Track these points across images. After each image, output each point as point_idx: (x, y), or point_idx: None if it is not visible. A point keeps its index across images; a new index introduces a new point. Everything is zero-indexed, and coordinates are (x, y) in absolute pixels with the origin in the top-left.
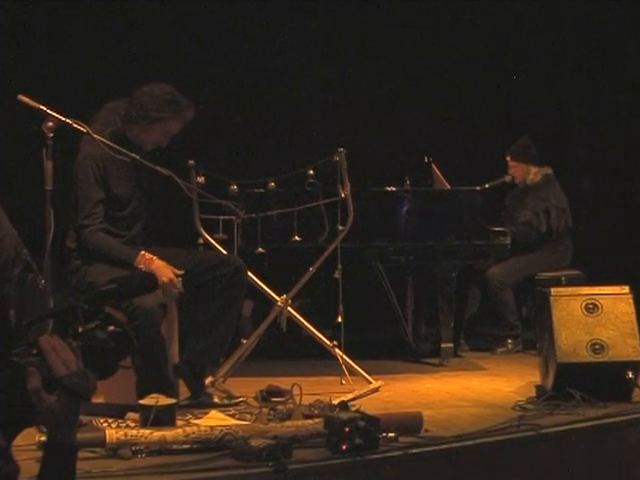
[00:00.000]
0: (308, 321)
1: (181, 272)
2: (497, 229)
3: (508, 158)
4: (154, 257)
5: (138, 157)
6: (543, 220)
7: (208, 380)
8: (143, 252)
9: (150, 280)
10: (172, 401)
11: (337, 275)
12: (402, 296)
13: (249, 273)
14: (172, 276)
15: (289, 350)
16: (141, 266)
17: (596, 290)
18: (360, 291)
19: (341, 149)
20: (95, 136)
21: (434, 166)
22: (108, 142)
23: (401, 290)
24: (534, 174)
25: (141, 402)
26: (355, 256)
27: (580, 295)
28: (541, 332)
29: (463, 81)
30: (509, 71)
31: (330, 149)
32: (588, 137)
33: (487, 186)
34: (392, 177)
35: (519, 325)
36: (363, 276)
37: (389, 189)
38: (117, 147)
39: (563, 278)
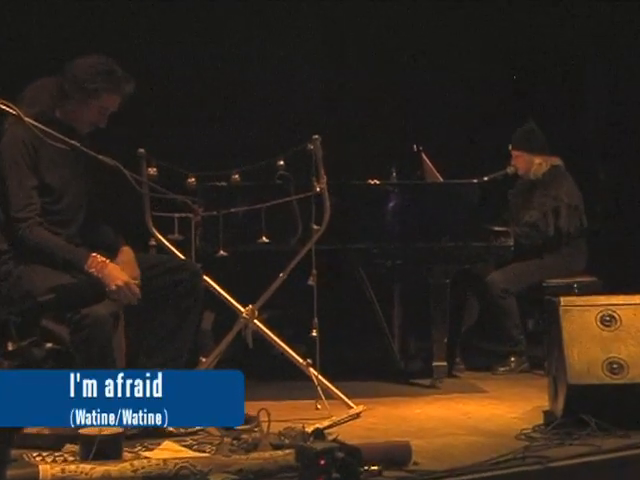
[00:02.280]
0: (278, 335)
1: (138, 274)
2: (498, 229)
3: (510, 147)
4: (107, 260)
5: (78, 144)
6: (551, 221)
7: None
8: (94, 254)
9: (98, 289)
10: (119, 430)
11: (312, 282)
12: (388, 306)
13: (209, 280)
14: (128, 279)
15: (256, 370)
16: (92, 270)
17: (614, 300)
18: (339, 300)
19: (316, 136)
20: (27, 119)
21: (424, 156)
22: (40, 125)
23: (387, 299)
24: (538, 165)
25: (82, 431)
26: (333, 260)
27: (595, 305)
28: (550, 348)
29: (456, 58)
30: (511, 48)
31: (304, 136)
32: (605, 121)
33: (486, 179)
34: (376, 168)
35: (524, 340)
36: (342, 283)
37: (372, 182)
38: (53, 132)
39: (575, 285)
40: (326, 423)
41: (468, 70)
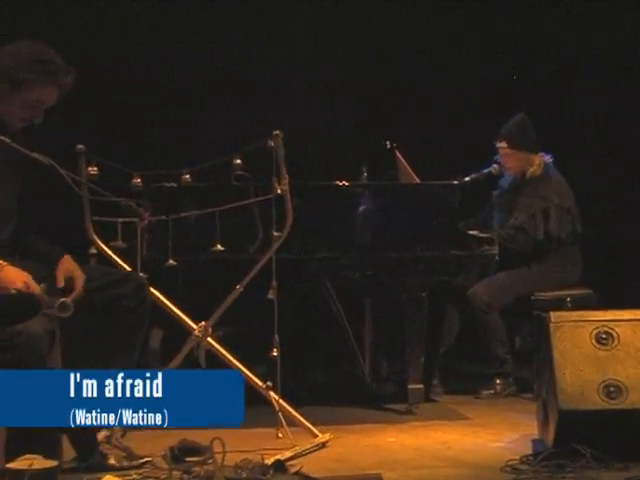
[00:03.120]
0: (234, 355)
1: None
2: (481, 235)
3: (503, 144)
4: (4, 263)
5: (8, 140)
6: (541, 224)
7: (102, 434)
8: None
9: (29, 301)
10: (53, 463)
11: (271, 295)
12: (358, 323)
13: (156, 293)
14: (29, 279)
15: None
16: None
17: (611, 315)
18: (302, 316)
19: (277, 132)
20: None
21: (398, 153)
22: None
23: (356, 315)
24: (537, 166)
25: (10, 466)
26: (295, 271)
27: (590, 321)
28: (539, 369)
29: (433, 46)
30: (499, 41)
31: (265, 132)
32: (599, 110)
33: (468, 179)
34: (344, 167)
35: (510, 360)
36: (306, 297)
37: (340, 183)
38: None
39: (568, 299)
40: (288, 454)
41: (448, 60)
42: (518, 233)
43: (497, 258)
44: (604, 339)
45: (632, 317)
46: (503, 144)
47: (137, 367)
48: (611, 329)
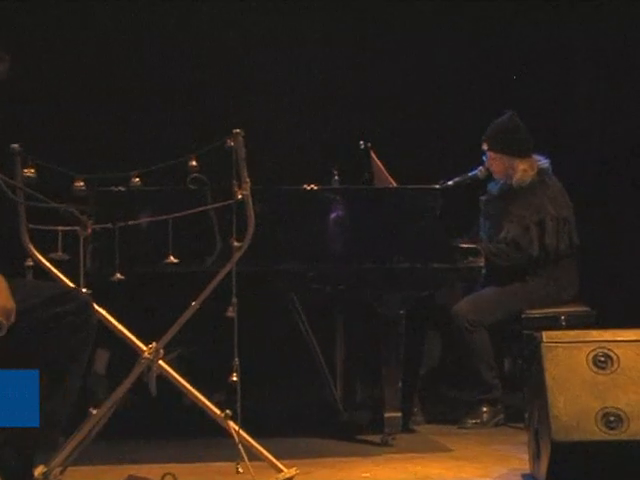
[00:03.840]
0: (189, 380)
1: (12, 307)
2: (466, 245)
3: (485, 146)
4: None
5: None
6: (535, 237)
7: (38, 470)
8: None
9: None
10: None
11: (231, 313)
12: (328, 343)
13: (102, 311)
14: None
15: (161, 423)
16: None
17: (610, 335)
18: (266, 336)
19: (238, 130)
20: None
21: (373, 155)
22: None
23: (327, 334)
24: (522, 172)
25: None
26: (258, 285)
27: (587, 342)
28: (530, 396)
29: (413, 37)
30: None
31: (224, 131)
32: (598, 108)
33: (452, 183)
34: (313, 170)
35: (499, 385)
36: (271, 314)
37: (308, 187)
38: None
39: (563, 317)
40: None
41: (432, 51)
42: (510, 248)
43: (484, 271)
44: (603, 362)
45: (634, 338)
46: (485, 145)
47: (80, 393)
48: (610, 351)
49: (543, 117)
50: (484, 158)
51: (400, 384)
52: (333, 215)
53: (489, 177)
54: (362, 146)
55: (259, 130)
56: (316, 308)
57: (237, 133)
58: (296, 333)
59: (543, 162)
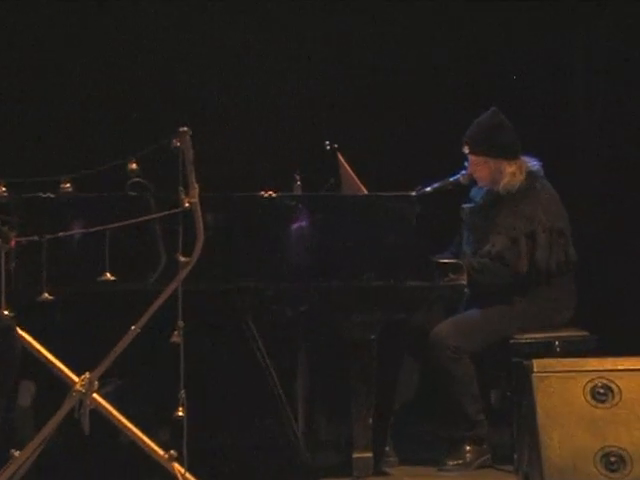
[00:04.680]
0: (127, 416)
1: None
2: (447, 261)
3: (466, 149)
4: None
5: None
6: (525, 252)
7: None
8: None
9: None
10: None
11: (176, 338)
12: (289, 372)
13: (27, 337)
14: None
15: (96, 465)
16: None
17: (610, 364)
18: (218, 365)
19: (185, 128)
20: None
21: (341, 157)
22: None
23: (287, 362)
24: (510, 175)
25: None
26: (209, 306)
27: (584, 372)
28: (520, 434)
29: (386, 30)
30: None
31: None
32: (598, 107)
33: (430, 189)
34: (272, 174)
35: (484, 421)
36: (223, 340)
37: (266, 194)
38: None
39: (557, 343)
40: None
41: (407, 45)
42: (495, 263)
43: (467, 290)
44: (602, 394)
45: (638, 367)
46: (466, 148)
47: (2, 427)
48: (611, 382)
49: (533, 115)
50: (466, 163)
51: (371, 420)
52: (295, 226)
53: (473, 182)
54: (328, 147)
55: (210, 129)
56: (275, 333)
57: (184, 132)
58: (252, 362)
59: (533, 164)
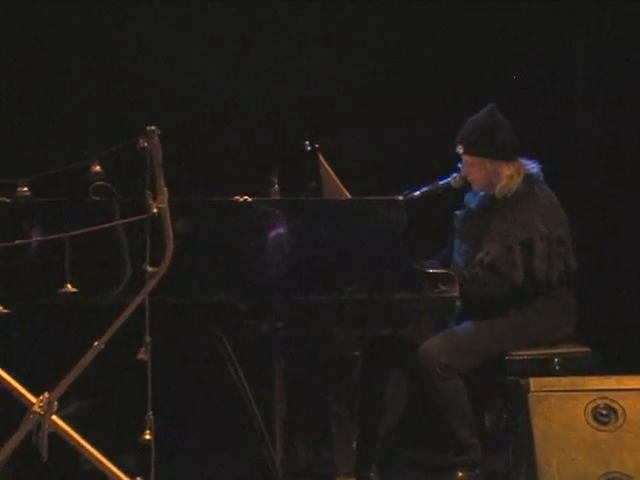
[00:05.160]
0: (90, 440)
1: None
2: (437, 271)
3: (460, 149)
4: None
5: None
6: (520, 261)
7: None
8: None
9: None
10: None
11: (143, 355)
12: (266, 393)
13: None
14: None
15: None
16: None
17: (614, 383)
18: (188, 384)
19: (153, 127)
20: None
21: (322, 158)
22: None
23: (264, 382)
24: (508, 178)
25: None
26: (178, 321)
27: (585, 391)
28: (516, 458)
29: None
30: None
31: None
32: (598, 108)
33: (418, 194)
34: (247, 178)
35: (477, 445)
36: (194, 358)
37: (240, 199)
38: None
39: (556, 360)
40: None
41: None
42: (487, 273)
43: (459, 303)
44: (605, 416)
45: None
46: (460, 148)
47: None
48: (614, 402)
49: (532, 116)
50: (459, 164)
51: (354, 445)
52: (272, 234)
53: (466, 186)
54: (308, 147)
55: (181, 129)
56: (250, 351)
57: (152, 131)
58: (225, 381)
59: (532, 167)
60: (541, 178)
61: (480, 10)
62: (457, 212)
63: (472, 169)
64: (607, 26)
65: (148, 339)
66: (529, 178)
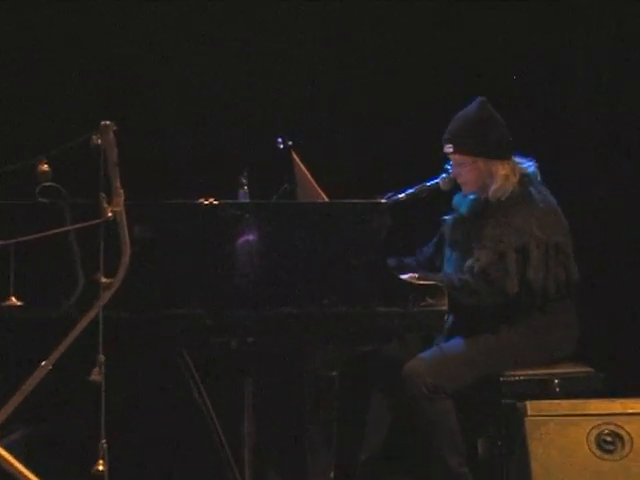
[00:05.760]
0: (35, 471)
1: None
2: (424, 282)
3: (449, 147)
4: None
5: None
6: (514, 269)
7: None
8: None
9: None
10: None
11: (96, 376)
12: (234, 418)
13: None
14: None
15: None
16: None
17: (620, 406)
18: (147, 408)
19: (107, 122)
20: None
21: (296, 157)
22: None
23: (231, 405)
24: (503, 179)
25: None
26: (137, 338)
27: (588, 416)
28: None
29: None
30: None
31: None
32: (598, 105)
33: (403, 196)
34: (214, 178)
35: (469, 475)
36: (153, 379)
37: (205, 202)
38: None
39: (556, 381)
40: None
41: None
42: (479, 281)
43: (448, 317)
44: (610, 443)
45: None
46: (449, 147)
47: None
48: (620, 428)
49: (532, 116)
50: (448, 165)
51: (332, 474)
52: (241, 240)
53: (455, 187)
54: (280, 145)
55: (139, 125)
56: (217, 369)
57: (107, 126)
58: (188, 404)
59: (528, 166)
60: (538, 178)
61: (480, 10)
62: (446, 217)
63: (463, 170)
64: (607, 26)
65: (102, 358)
66: (525, 178)
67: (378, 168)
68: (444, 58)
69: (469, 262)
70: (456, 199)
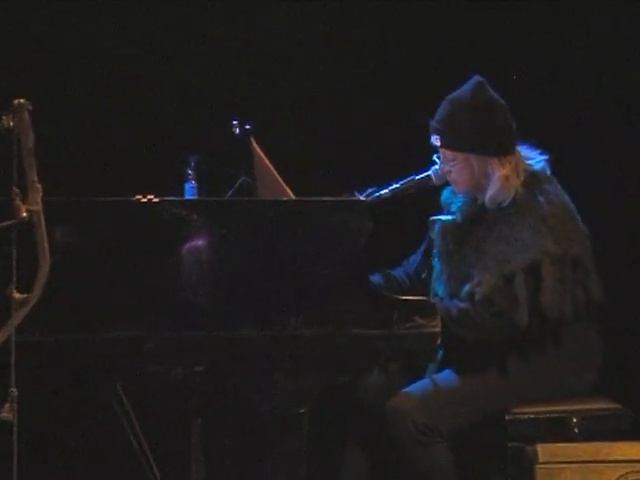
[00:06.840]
0: None
1: None
2: (411, 298)
3: (437, 141)
4: None
5: None
6: (523, 295)
7: None
8: None
9: None
10: None
11: (7, 414)
12: (179, 464)
13: None
14: None
15: None
16: None
17: None
18: (70, 450)
19: (21, 101)
20: None
21: (256, 146)
22: None
23: (176, 450)
24: (503, 180)
25: None
26: (59, 366)
27: (614, 463)
28: None
29: None
30: None
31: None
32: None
33: (387, 192)
34: (154, 171)
35: None
36: (79, 416)
37: (143, 199)
38: None
39: (575, 420)
40: None
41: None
42: (481, 311)
43: (441, 342)
44: None
45: None
46: (436, 139)
47: None
48: None
49: (531, 116)
50: (436, 158)
51: None
52: (187, 246)
53: (448, 183)
54: (236, 130)
55: (67, 109)
56: (157, 404)
57: (21, 105)
58: (122, 447)
59: (535, 161)
60: (548, 174)
61: (480, 10)
62: (434, 217)
63: (453, 167)
64: (607, 26)
65: (14, 392)
66: (532, 178)
67: (357, 159)
68: (444, 58)
69: (468, 287)
70: (445, 194)
